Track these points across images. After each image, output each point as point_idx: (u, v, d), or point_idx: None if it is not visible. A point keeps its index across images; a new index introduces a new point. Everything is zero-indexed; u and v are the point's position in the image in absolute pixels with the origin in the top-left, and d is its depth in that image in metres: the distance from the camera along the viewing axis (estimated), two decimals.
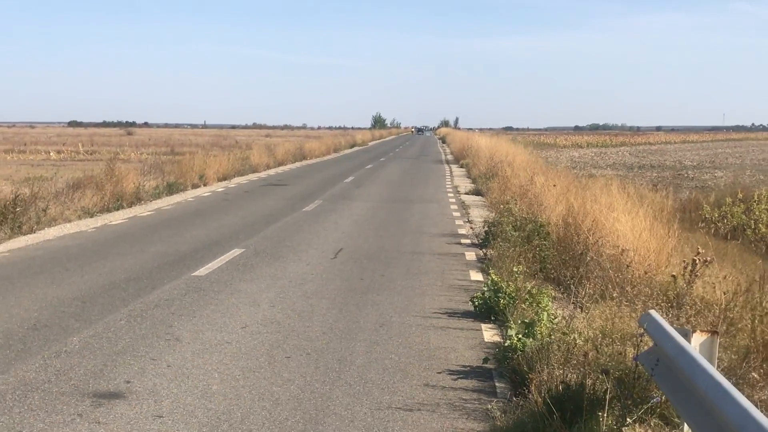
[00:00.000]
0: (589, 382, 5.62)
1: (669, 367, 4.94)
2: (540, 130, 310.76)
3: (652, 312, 5.56)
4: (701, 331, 5.31)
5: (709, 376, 4.34)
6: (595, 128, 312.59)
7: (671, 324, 5.50)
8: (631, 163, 59.17)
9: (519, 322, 7.89)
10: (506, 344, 7.51)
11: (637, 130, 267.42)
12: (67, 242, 15.81)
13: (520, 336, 7.43)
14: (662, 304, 8.45)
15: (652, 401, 5.41)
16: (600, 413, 5.34)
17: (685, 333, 5.28)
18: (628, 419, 5.35)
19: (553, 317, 7.85)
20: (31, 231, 16.80)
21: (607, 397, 5.41)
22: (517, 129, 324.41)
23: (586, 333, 6.94)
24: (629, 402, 5.35)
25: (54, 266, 13.05)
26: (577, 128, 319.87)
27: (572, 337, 6.84)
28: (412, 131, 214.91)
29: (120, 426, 6.20)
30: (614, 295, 9.15)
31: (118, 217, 19.98)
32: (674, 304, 8.40)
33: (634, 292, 9.19)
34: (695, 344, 5.26)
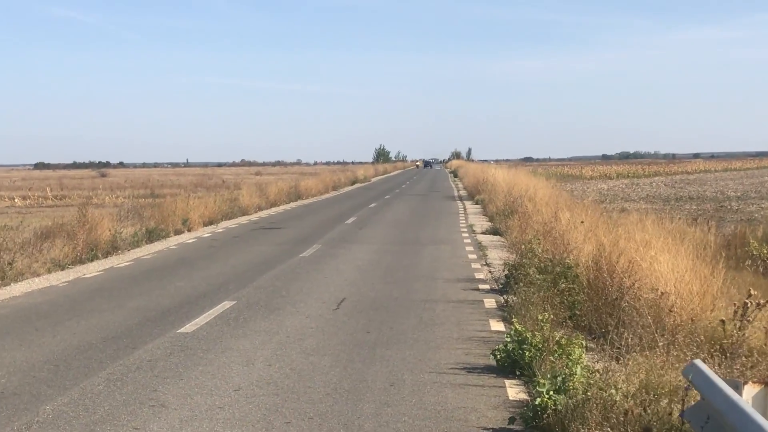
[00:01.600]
0: None
1: (720, 424, 4.93)
2: (563, 160, 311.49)
3: (698, 362, 5.56)
4: (753, 382, 5.31)
5: None
6: (625, 157, 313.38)
7: (722, 376, 5.49)
8: (667, 195, 59.33)
9: (549, 376, 7.87)
10: (536, 402, 7.49)
11: (672, 158, 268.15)
12: (36, 299, 15.84)
13: (551, 393, 7.40)
14: (713, 353, 8.44)
15: None
16: None
17: (736, 385, 5.28)
18: None
19: (587, 371, 7.82)
20: None
21: None
22: (538, 159, 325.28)
23: (625, 388, 6.91)
24: None
25: (22, 326, 13.07)
26: (605, 157, 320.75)
27: (609, 393, 6.82)
28: (417, 165, 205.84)
29: None
30: (659, 344, 9.10)
31: (92, 269, 20.02)
32: (727, 354, 8.38)
33: (682, 341, 9.16)
34: (747, 397, 5.25)
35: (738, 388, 5.26)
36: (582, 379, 7.45)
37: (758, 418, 4.55)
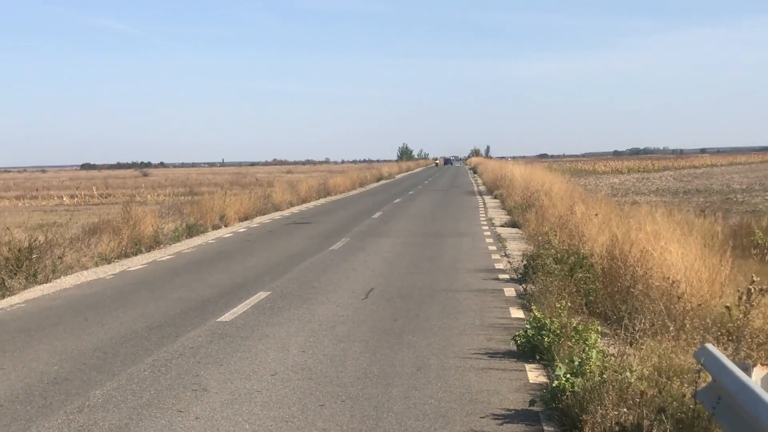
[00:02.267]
0: (646, 423, 5.57)
1: (730, 404, 4.90)
2: (577, 156, 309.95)
3: (709, 345, 5.53)
4: (762, 364, 5.27)
5: None
6: (635, 152, 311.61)
7: (730, 358, 5.45)
8: (676, 189, 58.98)
9: (566, 360, 7.85)
10: (554, 385, 7.47)
11: (680, 153, 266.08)
12: (84, 290, 15.95)
13: (568, 376, 7.38)
14: (719, 337, 8.39)
15: None
16: None
17: (746, 367, 5.25)
18: None
19: (603, 355, 7.79)
20: (47, 280, 16.96)
21: None
22: (553, 156, 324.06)
23: (639, 370, 6.88)
24: None
25: (72, 316, 13.17)
26: (616, 153, 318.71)
27: (624, 376, 6.79)
28: (437, 163, 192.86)
29: None
30: (670, 329, 9.06)
31: (136, 263, 20.14)
32: (733, 337, 8.33)
33: (690, 326, 9.13)
34: (757, 378, 5.22)
35: (747, 370, 5.23)
36: (598, 363, 7.41)
37: (767, 398, 4.52)
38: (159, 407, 8.10)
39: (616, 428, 5.70)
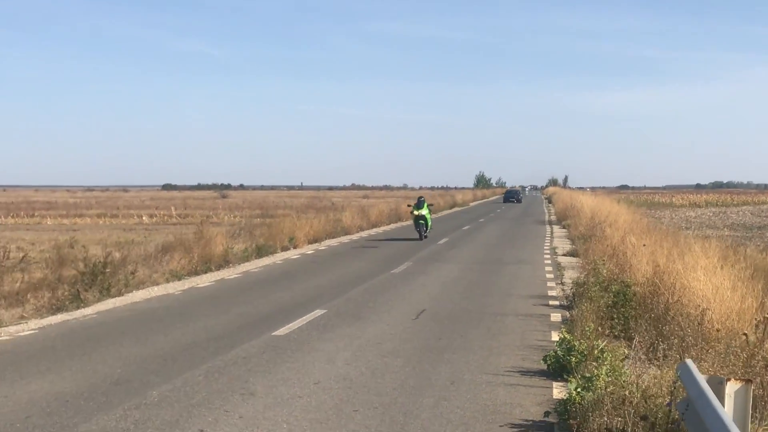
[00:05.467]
0: (629, 428, 6.19)
1: (696, 413, 5.50)
2: (657, 188, 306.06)
3: (688, 361, 6.12)
4: (735, 379, 5.84)
5: (721, 423, 4.90)
6: (718, 186, 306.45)
7: (707, 374, 6.04)
8: (752, 224, 58.42)
9: (579, 377, 8.47)
10: (565, 398, 8.10)
11: (764, 188, 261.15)
12: (153, 304, 16.96)
13: (579, 390, 8.01)
14: (735, 362, 8.90)
15: None
16: None
17: (720, 381, 5.82)
18: None
19: (612, 371, 8.39)
20: (119, 293, 18.01)
21: None
22: (633, 188, 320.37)
23: (639, 385, 7.47)
24: None
25: (139, 327, 14.13)
26: (698, 186, 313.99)
27: (628, 390, 7.39)
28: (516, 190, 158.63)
29: None
30: (691, 352, 9.60)
31: (205, 280, 21.14)
32: (749, 362, 8.84)
33: (714, 351, 9.63)
34: (730, 391, 5.80)
35: (722, 384, 5.80)
36: (607, 379, 8.03)
37: (719, 409, 5.12)
38: (208, 407, 8.92)
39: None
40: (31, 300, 16.28)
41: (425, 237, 35.04)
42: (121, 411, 8.75)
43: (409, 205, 38.15)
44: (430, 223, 36.24)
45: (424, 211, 35.31)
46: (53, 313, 15.55)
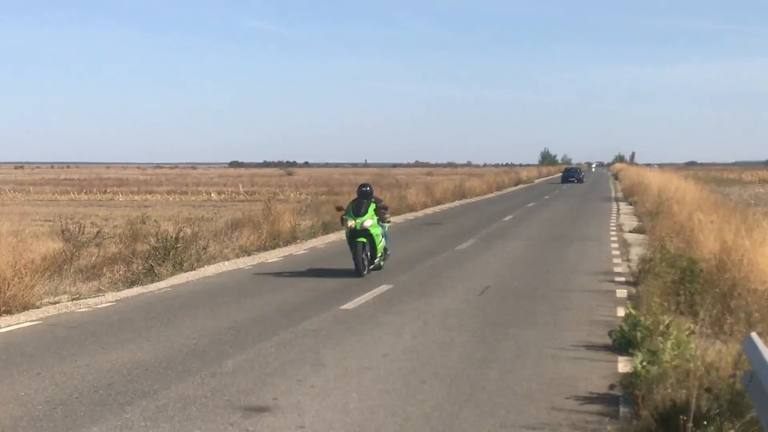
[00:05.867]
0: (693, 400, 6.32)
1: (760, 384, 5.62)
2: (727, 164, 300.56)
3: (753, 334, 6.22)
4: None
5: None
6: None
7: None
8: None
9: (645, 351, 8.60)
10: (630, 371, 8.24)
11: None
12: (224, 279, 17.39)
13: (644, 363, 8.14)
14: None
15: (747, 416, 6.07)
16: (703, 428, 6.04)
17: None
18: None
19: (677, 345, 8.50)
20: (192, 268, 18.47)
21: (711, 413, 6.11)
22: (701, 164, 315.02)
23: (703, 359, 7.59)
24: (729, 416, 6.03)
25: (212, 300, 14.54)
26: None
27: (693, 364, 7.51)
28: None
29: None
30: (758, 328, 9.65)
31: (273, 256, 21.55)
32: None
33: None
34: None
35: None
36: (672, 352, 8.15)
37: None
38: (281, 376, 9.24)
39: (669, 404, 6.46)
40: (107, 274, 16.81)
41: (368, 272, 17.48)
42: (199, 379, 9.10)
43: (340, 208, 18.89)
44: (383, 246, 18.16)
45: (370, 221, 17.54)
46: (128, 287, 16.04)
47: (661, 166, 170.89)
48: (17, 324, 12.34)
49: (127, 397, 8.45)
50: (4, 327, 12.12)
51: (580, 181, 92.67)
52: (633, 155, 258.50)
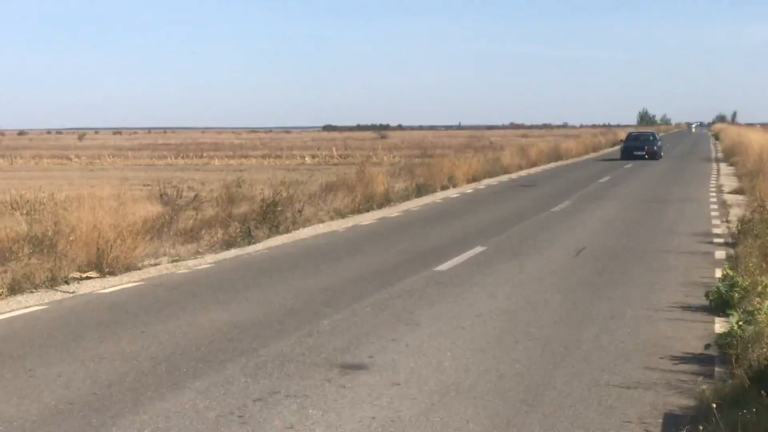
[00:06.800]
0: None
1: None
2: None
3: None
4: None
5: None
6: None
7: None
8: None
9: (741, 310, 8.52)
10: (726, 331, 8.19)
11: None
12: (319, 241, 17.68)
13: (740, 323, 8.08)
14: None
15: None
16: None
17: None
18: None
19: None
20: (287, 231, 18.80)
21: None
22: None
23: None
24: None
25: (307, 262, 14.82)
26: None
27: None
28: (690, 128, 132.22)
29: (363, 390, 7.52)
30: None
31: (367, 218, 21.78)
32: None
33: None
34: None
35: None
36: None
37: None
38: (376, 335, 9.43)
39: (764, 363, 6.43)
40: (205, 236, 17.22)
41: None
42: (296, 338, 9.35)
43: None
44: None
45: None
46: (226, 249, 16.42)
47: (764, 125, 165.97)
48: (120, 284, 12.79)
49: (227, 354, 8.75)
50: (108, 287, 12.58)
51: (653, 156, 52.27)
52: (735, 115, 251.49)
